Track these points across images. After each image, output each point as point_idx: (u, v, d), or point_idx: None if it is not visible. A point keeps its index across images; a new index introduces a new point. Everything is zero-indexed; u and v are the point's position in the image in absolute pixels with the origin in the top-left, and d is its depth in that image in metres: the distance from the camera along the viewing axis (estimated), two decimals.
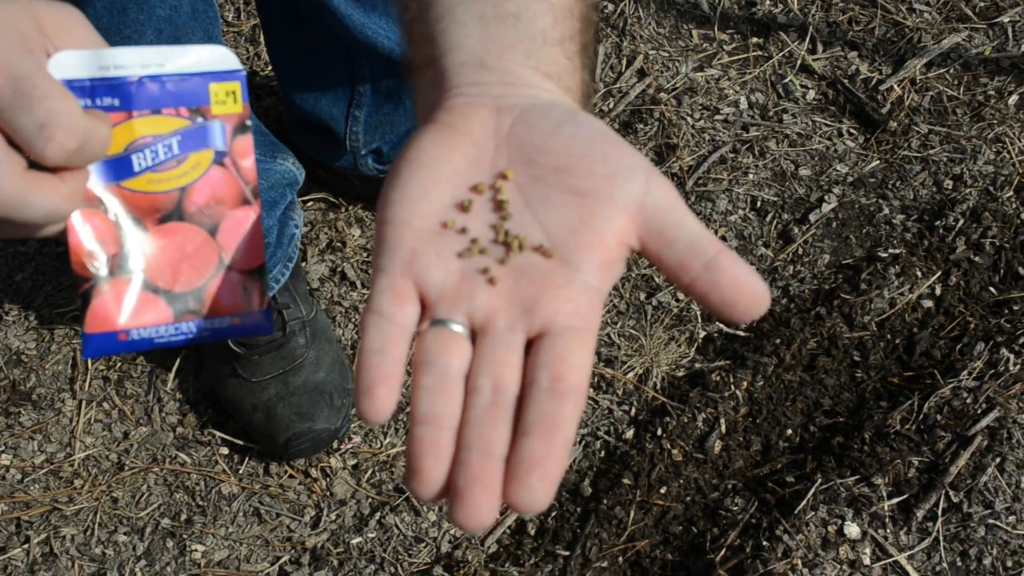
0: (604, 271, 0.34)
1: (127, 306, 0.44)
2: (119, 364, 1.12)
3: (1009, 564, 0.91)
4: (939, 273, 1.11)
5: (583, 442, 1.06)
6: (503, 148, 0.36)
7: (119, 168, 0.43)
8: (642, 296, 1.17)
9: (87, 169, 0.40)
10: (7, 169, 0.34)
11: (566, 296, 0.33)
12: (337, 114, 1.03)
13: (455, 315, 0.34)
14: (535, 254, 0.34)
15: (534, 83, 0.37)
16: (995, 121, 1.28)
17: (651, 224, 0.34)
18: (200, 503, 1.04)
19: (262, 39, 1.24)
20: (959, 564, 0.93)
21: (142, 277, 0.44)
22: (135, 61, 0.42)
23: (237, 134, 0.45)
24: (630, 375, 1.09)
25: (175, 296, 0.45)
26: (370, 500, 1.03)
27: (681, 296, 1.16)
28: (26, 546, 1.01)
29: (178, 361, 1.10)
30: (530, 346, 0.33)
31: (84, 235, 0.42)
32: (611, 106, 1.32)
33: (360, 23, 0.88)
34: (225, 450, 1.07)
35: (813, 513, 0.93)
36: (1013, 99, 1.30)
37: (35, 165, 0.36)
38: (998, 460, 0.94)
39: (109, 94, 0.42)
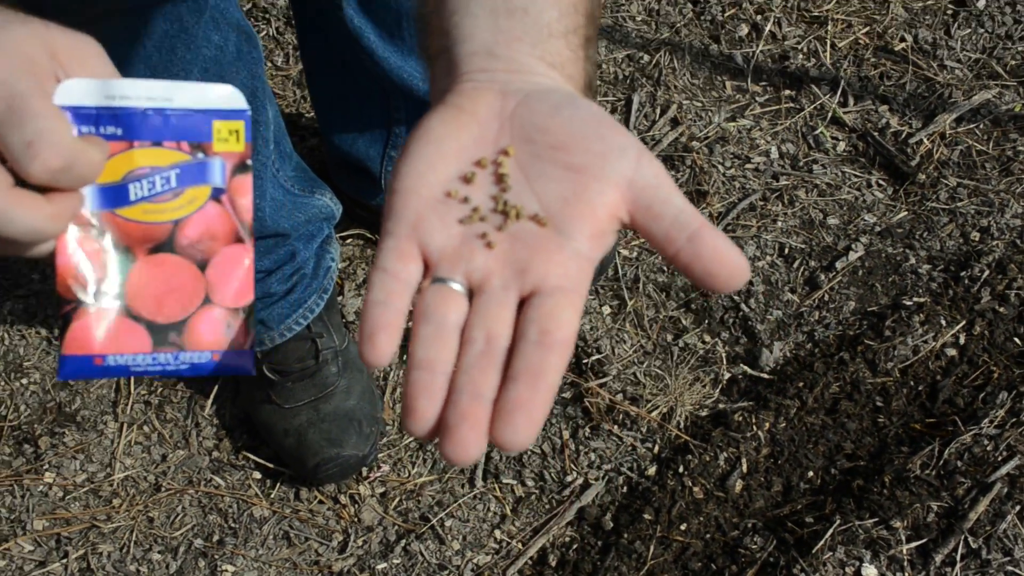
0: (594, 240, 0.37)
1: (106, 331, 0.44)
2: (160, 389, 1.17)
3: None
4: (963, 322, 1.12)
5: (606, 477, 1.07)
6: (506, 127, 0.39)
7: (115, 196, 0.44)
8: (669, 338, 1.19)
9: (79, 193, 0.41)
10: None
11: (557, 260, 0.36)
12: (374, 154, 1.08)
13: (454, 274, 0.37)
14: (531, 222, 0.38)
15: (539, 71, 0.41)
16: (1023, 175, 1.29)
17: (640, 199, 0.37)
18: (232, 525, 1.07)
19: None
20: None
21: (125, 304, 0.44)
22: (142, 93, 0.43)
23: (237, 172, 0.45)
24: (654, 413, 1.11)
25: (156, 327, 0.45)
26: (396, 527, 1.06)
27: (707, 338, 1.18)
28: (64, 561, 1.05)
29: (216, 387, 1.15)
30: (522, 305, 0.36)
31: (72, 257, 0.43)
32: None
33: (397, 67, 0.93)
34: (258, 474, 1.10)
35: (831, 554, 0.93)
36: None
37: (24, 184, 0.37)
38: (1018, 508, 0.94)
39: (113, 123, 0.43)
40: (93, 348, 0.44)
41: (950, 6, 1.47)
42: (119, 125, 0.43)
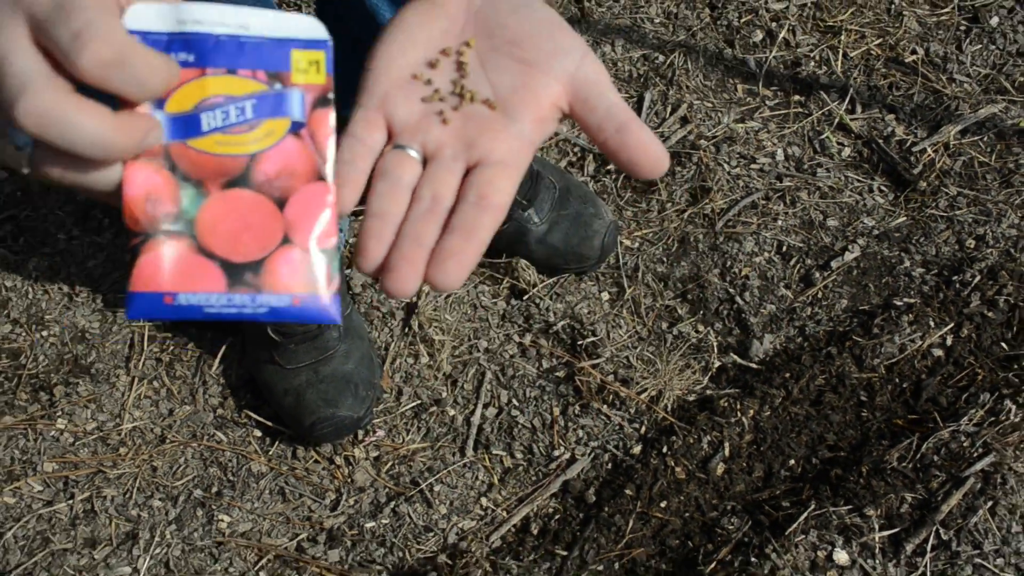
0: (536, 125, 0.43)
1: (176, 268, 0.41)
2: (171, 348, 1.22)
3: None
4: (951, 324, 1.14)
5: (592, 454, 1.11)
6: (471, 22, 0.45)
7: (186, 126, 0.40)
8: (664, 325, 1.22)
9: (149, 115, 0.39)
10: (48, 83, 0.34)
11: (502, 139, 0.42)
12: None
13: (412, 143, 0.43)
14: (483, 106, 0.43)
15: None
16: (1023, 188, 1.31)
17: (579, 93, 0.43)
18: (231, 478, 1.11)
19: None
20: None
21: (197, 241, 0.41)
22: (216, 19, 0.40)
23: (317, 106, 0.42)
24: (643, 395, 1.14)
25: (231, 265, 0.41)
26: (387, 490, 1.10)
27: (701, 328, 1.22)
28: (70, 502, 1.10)
29: (224, 348, 1.19)
30: (467, 174, 0.42)
31: (141, 187, 0.40)
32: None
33: None
34: (258, 432, 1.15)
35: (804, 536, 0.96)
36: None
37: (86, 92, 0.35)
38: (990, 503, 0.96)
39: (184, 49, 0.40)
40: (162, 285, 0.40)
41: (963, 22, 1.50)
42: (191, 51, 0.40)
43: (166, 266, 0.40)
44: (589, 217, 1.20)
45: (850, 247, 1.27)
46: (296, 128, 0.42)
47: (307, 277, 0.41)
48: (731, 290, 1.24)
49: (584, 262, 1.21)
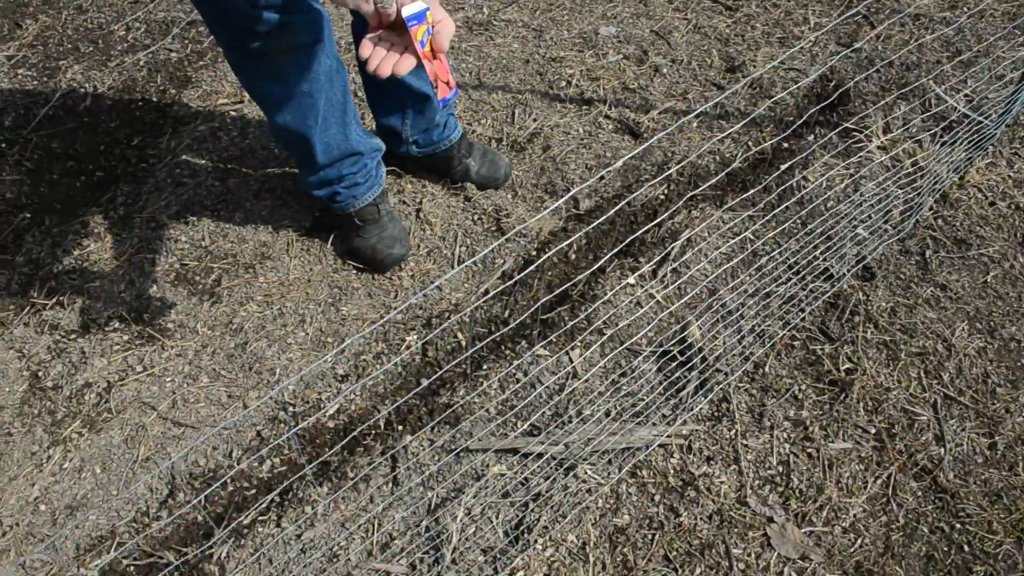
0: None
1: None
2: (306, 239, 2.44)
3: (696, 292, 2.18)
4: None
5: (514, 257, 2.36)
6: None
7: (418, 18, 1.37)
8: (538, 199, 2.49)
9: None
10: None
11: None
12: (396, 124, 2.39)
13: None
14: None
15: None
16: None
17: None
18: (344, 295, 2.34)
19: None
20: (678, 292, 2.20)
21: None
22: None
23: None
24: (539, 234, 2.40)
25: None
26: (417, 288, 2.33)
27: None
28: (281, 305, 2.31)
29: (331, 239, 2.42)
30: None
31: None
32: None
33: (409, 81, 2.26)
34: (355, 271, 2.37)
35: (611, 271, 2.22)
36: None
37: None
38: (687, 251, 2.23)
39: None
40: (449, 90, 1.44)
41: None
42: None
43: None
44: (498, 160, 2.49)
45: None
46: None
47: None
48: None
49: (498, 182, 2.50)
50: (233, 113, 2.79)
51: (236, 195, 2.55)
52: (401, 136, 2.39)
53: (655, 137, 1.56)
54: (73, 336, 2.23)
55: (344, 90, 2.03)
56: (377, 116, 2.37)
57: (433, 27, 1.37)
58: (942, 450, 1.96)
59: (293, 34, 1.81)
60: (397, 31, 1.40)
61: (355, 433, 1.73)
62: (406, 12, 1.34)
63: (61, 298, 2.30)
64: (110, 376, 2.14)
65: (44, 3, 3.21)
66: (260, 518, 1.88)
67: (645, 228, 2.05)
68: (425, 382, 1.90)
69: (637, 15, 3.09)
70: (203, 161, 2.65)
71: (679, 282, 2.23)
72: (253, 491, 1.95)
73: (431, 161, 2.48)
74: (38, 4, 3.21)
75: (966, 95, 2.69)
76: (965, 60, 2.81)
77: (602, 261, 1.74)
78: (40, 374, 2.16)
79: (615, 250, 1.71)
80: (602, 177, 2.54)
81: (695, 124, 2.69)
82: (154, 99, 2.84)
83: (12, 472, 1.99)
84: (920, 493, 1.90)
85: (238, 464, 1.99)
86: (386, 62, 1.38)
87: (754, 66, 2.84)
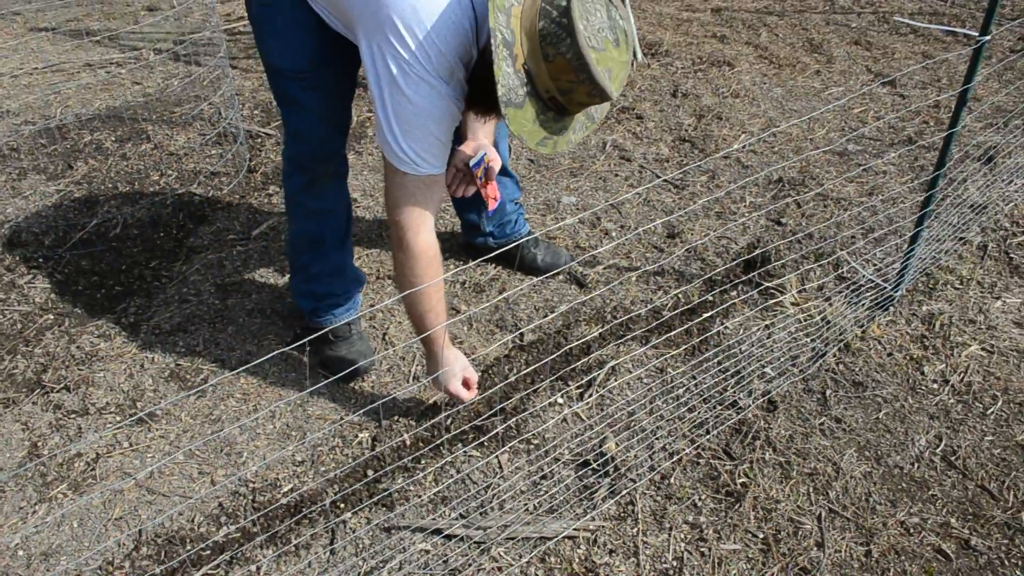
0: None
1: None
2: (286, 352, 2.80)
3: (616, 414, 2.49)
4: None
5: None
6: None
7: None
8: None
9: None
10: None
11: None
12: (474, 218, 2.87)
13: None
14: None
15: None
16: None
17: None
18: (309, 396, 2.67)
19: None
20: (600, 411, 2.52)
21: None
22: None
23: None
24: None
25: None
26: (376, 398, 2.66)
27: None
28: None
29: (307, 349, 2.78)
30: None
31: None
32: None
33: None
34: (323, 379, 2.71)
35: (545, 395, 2.55)
36: None
37: None
38: (611, 378, 2.57)
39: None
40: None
41: None
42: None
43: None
44: (560, 252, 3.05)
45: None
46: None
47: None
48: None
49: (559, 268, 3.02)
50: (239, 247, 3.24)
51: (231, 312, 2.95)
52: (479, 228, 3.02)
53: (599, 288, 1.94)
54: (73, 415, 2.57)
55: (348, 222, 2.59)
56: (459, 212, 3.04)
57: (487, 165, 2.37)
58: (822, 554, 2.19)
59: (338, 164, 2.47)
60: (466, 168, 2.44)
61: (303, 512, 2.02)
62: (471, 163, 2.39)
63: (68, 384, 2.66)
64: (99, 449, 2.46)
65: (96, 150, 3.77)
66: (209, 573, 2.14)
67: (574, 358, 2.41)
68: (372, 473, 2.20)
69: (596, 188, 3.58)
70: (207, 284, 3.08)
71: (601, 402, 2.55)
72: (208, 551, 2.21)
73: (505, 251, 3.05)
74: (90, 151, 3.77)
75: (874, 264, 3.09)
76: (876, 237, 3.23)
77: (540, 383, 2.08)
78: (39, 444, 2.48)
79: (552, 376, 2.05)
80: (547, 315, 2.92)
81: (634, 278, 3.10)
82: (174, 231, 3.31)
83: (0, 521, 2.27)
84: None
85: (198, 528, 2.26)
86: (459, 187, 2.49)
87: (692, 234, 3.28)
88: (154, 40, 4.90)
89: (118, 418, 2.56)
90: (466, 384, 2.40)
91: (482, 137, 2.47)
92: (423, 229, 2.08)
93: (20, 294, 3.04)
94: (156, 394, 2.64)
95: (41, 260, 3.18)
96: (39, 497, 2.34)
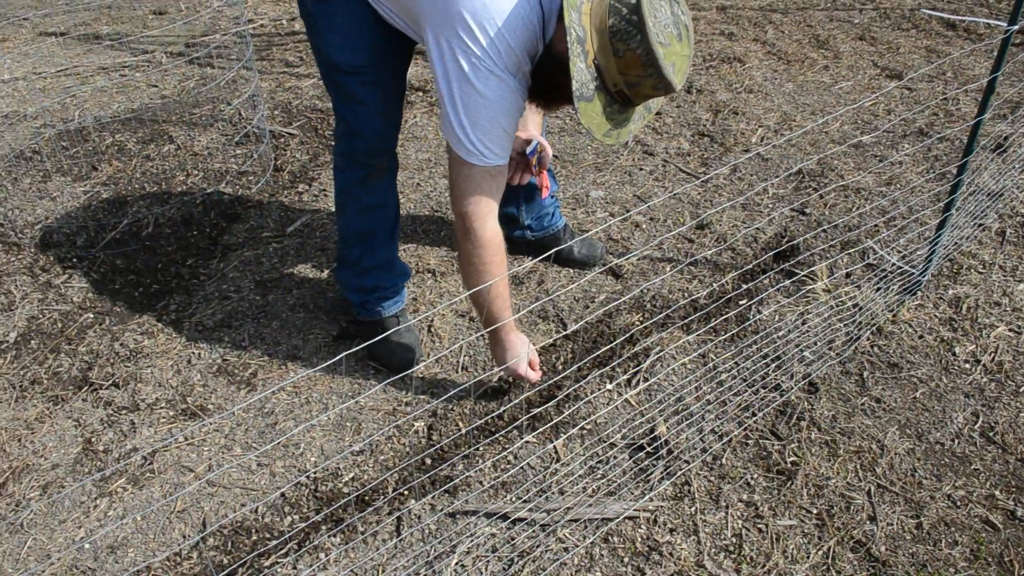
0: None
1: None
2: (333, 344, 2.83)
3: (664, 399, 2.55)
4: None
5: None
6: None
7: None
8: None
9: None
10: None
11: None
12: (513, 211, 2.91)
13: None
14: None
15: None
16: None
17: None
18: (366, 385, 2.70)
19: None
20: (648, 398, 2.57)
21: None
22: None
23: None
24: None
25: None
26: (426, 388, 2.70)
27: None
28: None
29: (355, 340, 2.81)
30: None
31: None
32: None
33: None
34: (373, 371, 2.74)
35: (598, 379, 2.60)
36: None
37: None
38: (656, 365, 2.62)
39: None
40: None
41: None
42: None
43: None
44: (595, 244, 3.09)
45: None
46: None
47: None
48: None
49: (595, 260, 3.10)
50: (275, 244, 3.26)
51: (274, 308, 2.97)
52: (518, 221, 3.05)
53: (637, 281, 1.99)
54: (124, 411, 2.58)
55: (396, 216, 2.62)
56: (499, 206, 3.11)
57: (541, 153, 2.50)
58: (875, 527, 2.26)
59: (391, 160, 2.51)
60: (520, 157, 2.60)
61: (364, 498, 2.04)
62: (528, 151, 2.54)
63: (116, 380, 2.67)
64: (155, 444, 2.47)
65: (118, 151, 3.77)
66: (279, 561, 2.16)
67: (618, 345, 2.45)
68: (429, 461, 2.24)
69: (622, 183, 3.64)
70: (247, 281, 3.09)
71: (649, 388, 2.60)
72: (275, 541, 2.23)
73: (542, 244, 3.11)
74: (112, 152, 3.77)
75: (899, 251, 3.17)
76: (898, 225, 3.31)
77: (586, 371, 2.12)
78: (93, 440, 2.49)
79: (591, 359, 2.10)
80: (587, 307, 2.97)
81: (668, 268, 3.16)
82: (207, 229, 3.33)
83: (62, 516, 2.28)
84: (856, 563, 2.18)
85: (263, 519, 2.28)
86: (516, 174, 2.63)
87: (720, 225, 3.34)
88: (164, 43, 4.90)
89: (171, 413, 2.57)
90: (531, 365, 2.46)
91: (532, 128, 2.53)
92: (490, 218, 2.13)
93: (58, 294, 3.04)
94: (206, 389, 2.66)
95: (75, 260, 3.18)
96: (99, 492, 2.35)
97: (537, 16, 1.95)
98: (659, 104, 2.23)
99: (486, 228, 2.14)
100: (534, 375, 2.47)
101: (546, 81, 2.03)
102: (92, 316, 2.94)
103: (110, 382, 2.68)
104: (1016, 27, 2.54)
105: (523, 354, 2.41)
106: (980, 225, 3.38)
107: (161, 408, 2.59)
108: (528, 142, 2.55)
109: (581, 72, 1.86)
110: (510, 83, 1.97)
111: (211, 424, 2.54)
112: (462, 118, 1.99)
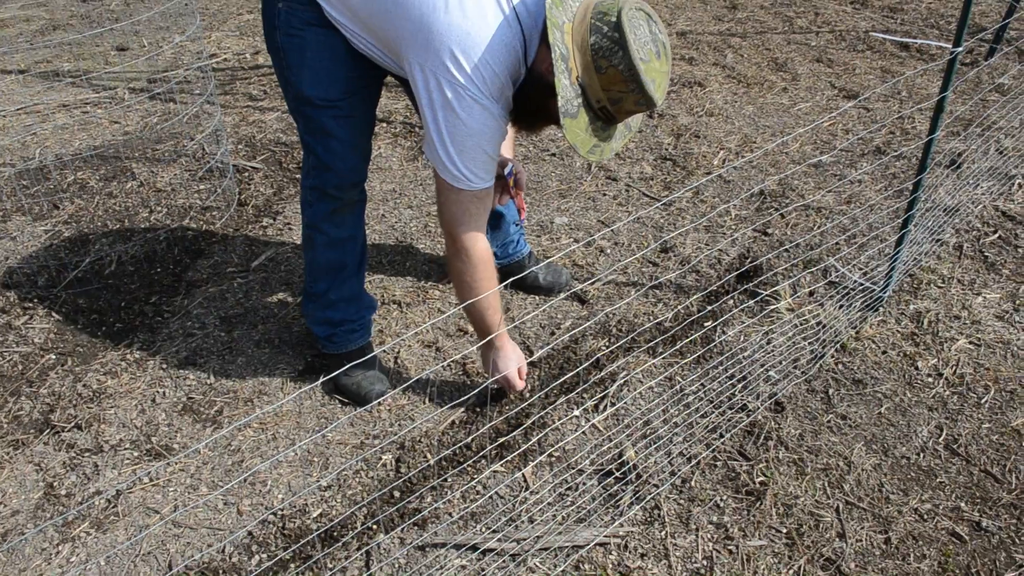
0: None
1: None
2: (299, 379, 2.81)
3: (632, 423, 2.55)
4: None
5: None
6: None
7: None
8: None
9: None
10: None
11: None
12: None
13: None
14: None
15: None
16: None
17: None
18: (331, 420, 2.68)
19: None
20: (616, 422, 2.57)
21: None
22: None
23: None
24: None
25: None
26: (393, 420, 2.68)
27: None
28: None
29: (321, 375, 2.79)
30: None
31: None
32: None
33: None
34: (340, 405, 2.72)
35: (566, 404, 2.60)
36: None
37: None
38: (623, 390, 2.63)
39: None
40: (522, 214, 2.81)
41: None
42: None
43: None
44: (560, 271, 3.08)
45: None
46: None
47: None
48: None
49: (561, 287, 3.11)
50: (240, 279, 3.25)
51: (239, 344, 2.95)
52: (497, 254, 3.05)
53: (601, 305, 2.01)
54: (87, 453, 2.54)
55: (364, 249, 2.63)
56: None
57: (516, 175, 2.55)
58: (844, 544, 2.27)
59: (360, 193, 2.51)
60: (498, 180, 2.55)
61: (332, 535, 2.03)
62: (505, 172, 2.54)
63: (78, 422, 2.63)
64: (119, 485, 2.43)
65: (80, 189, 3.75)
66: None
67: (584, 370, 2.46)
68: (398, 494, 2.22)
69: (586, 208, 3.67)
70: (211, 317, 3.07)
71: (616, 413, 2.61)
72: None
73: (507, 271, 3.10)
74: (74, 190, 3.75)
75: (860, 268, 3.21)
76: (859, 243, 3.36)
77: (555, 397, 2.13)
78: (55, 484, 2.45)
79: (558, 385, 2.10)
80: (553, 333, 2.98)
81: (632, 292, 3.17)
82: (171, 266, 3.30)
83: (22, 565, 2.24)
84: None
85: (230, 558, 2.25)
86: (495, 195, 2.57)
87: (684, 247, 3.37)
88: (126, 79, 4.89)
89: (135, 454, 2.54)
90: (519, 374, 2.55)
91: (506, 151, 2.57)
92: (479, 239, 2.23)
93: (18, 335, 3.01)
94: (171, 428, 2.63)
95: (36, 300, 3.15)
96: (61, 537, 2.31)
97: (519, 40, 1.99)
98: (639, 123, 2.28)
99: (477, 247, 2.24)
100: (519, 382, 2.56)
101: (529, 103, 2.08)
102: (54, 357, 2.91)
103: (72, 424, 2.64)
104: (961, 49, 2.60)
105: (514, 358, 2.52)
106: (938, 240, 3.44)
107: (125, 449, 2.56)
108: (503, 165, 2.58)
109: (566, 89, 1.91)
110: (494, 110, 2.01)
111: (176, 464, 2.51)
112: (448, 146, 2.02)
